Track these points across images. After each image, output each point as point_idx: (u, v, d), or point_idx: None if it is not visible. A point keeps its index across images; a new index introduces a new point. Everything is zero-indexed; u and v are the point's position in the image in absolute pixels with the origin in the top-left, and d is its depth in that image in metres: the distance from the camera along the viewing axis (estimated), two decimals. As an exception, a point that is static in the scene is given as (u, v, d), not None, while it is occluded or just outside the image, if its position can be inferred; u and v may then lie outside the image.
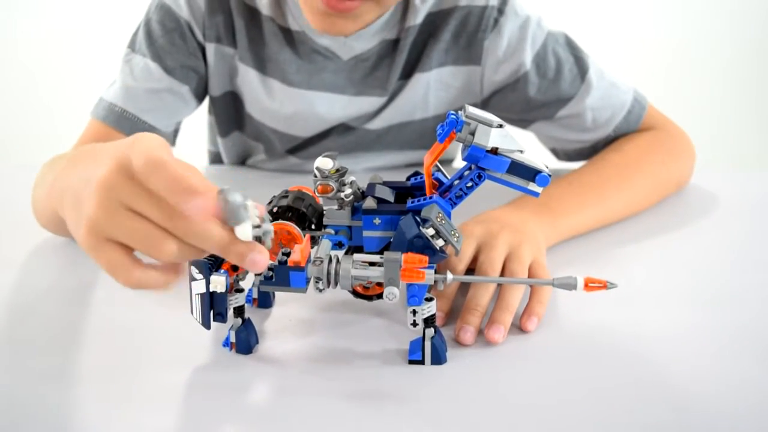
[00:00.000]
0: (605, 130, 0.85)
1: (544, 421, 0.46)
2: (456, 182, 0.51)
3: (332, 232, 0.52)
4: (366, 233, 0.52)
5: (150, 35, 0.84)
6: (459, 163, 1.01)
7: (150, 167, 0.39)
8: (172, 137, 0.90)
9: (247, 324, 0.54)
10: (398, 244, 0.49)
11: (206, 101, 0.95)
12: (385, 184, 0.54)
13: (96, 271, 0.67)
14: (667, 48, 2.41)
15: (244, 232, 0.41)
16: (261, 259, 0.41)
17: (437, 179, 0.52)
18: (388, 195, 0.53)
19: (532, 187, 0.49)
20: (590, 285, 0.46)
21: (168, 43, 0.83)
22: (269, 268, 0.49)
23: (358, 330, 0.56)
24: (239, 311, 0.53)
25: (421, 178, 0.54)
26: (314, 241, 0.52)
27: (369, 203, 0.51)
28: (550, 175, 0.49)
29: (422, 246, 0.49)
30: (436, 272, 0.48)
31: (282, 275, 0.48)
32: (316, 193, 0.52)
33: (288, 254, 0.49)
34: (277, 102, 0.87)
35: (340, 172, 0.52)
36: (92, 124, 0.85)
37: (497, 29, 0.83)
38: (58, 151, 0.74)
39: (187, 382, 0.51)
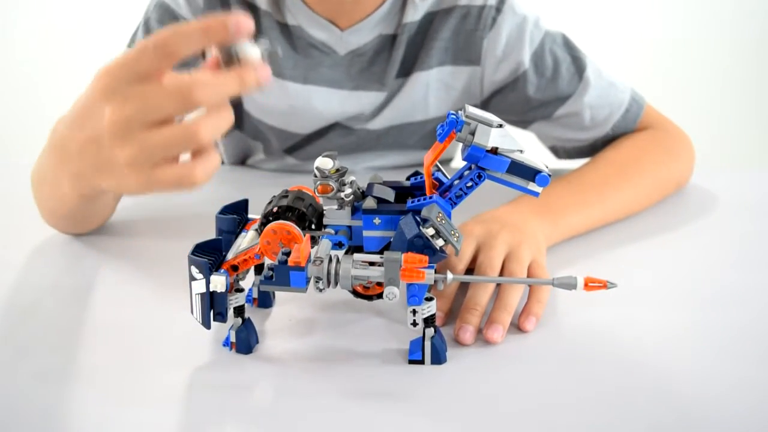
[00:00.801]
0: (603, 128, 0.85)
1: (544, 422, 0.46)
2: (456, 182, 0.51)
3: (332, 232, 0.52)
4: (366, 233, 0.52)
5: (149, 34, 0.84)
6: (458, 163, 1.01)
7: (173, 41, 0.42)
8: None
9: (247, 324, 0.54)
10: (398, 243, 0.49)
11: None
12: (384, 183, 0.54)
13: (95, 271, 0.68)
14: (667, 48, 2.40)
15: (249, 51, 0.43)
16: (242, 20, 0.42)
17: (437, 179, 0.52)
18: (388, 195, 0.53)
19: (532, 186, 0.49)
20: (590, 285, 0.46)
21: None
22: (269, 268, 0.49)
23: (358, 329, 0.56)
24: (239, 311, 0.53)
25: (420, 178, 0.54)
26: (314, 241, 0.52)
27: (369, 203, 0.51)
28: (550, 175, 0.49)
29: (422, 246, 0.49)
30: (435, 272, 0.48)
31: (282, 275, 0.48)
32: (316, 193, 0.52)
33: (288, 254, 0.48)
34: (273, 97, 0.87)
35: (340, 172, 0.52)
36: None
37: (495, 28, 0.83)
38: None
39: (187, 382, 0.51)
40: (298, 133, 0.90)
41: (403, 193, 0.54)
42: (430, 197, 0.50)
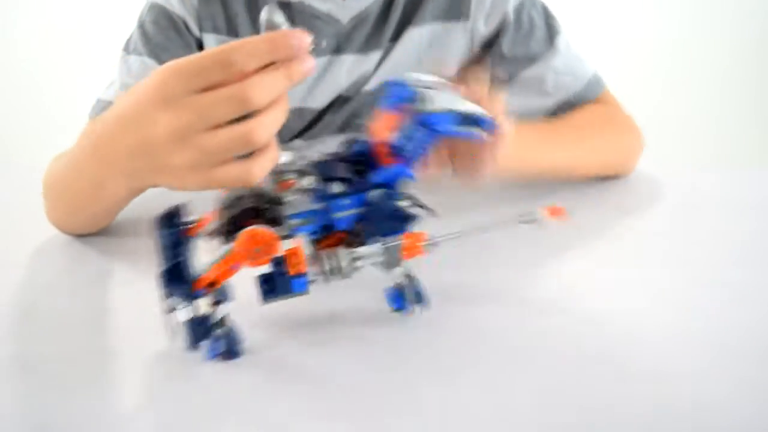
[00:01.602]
0: (564, 93, 0.88)
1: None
2: (409, 144, 0.52)
3: (298, 221, 0.52)
4: (337, 215, 0.52)
5: (145, 35, 0.82)
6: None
7: (234, 56, 0.43)
8: None
9: (231, 330, 0.53)
10: (376, 219, 0.51)
11: None
12: (330, 158, 0.54)
13: (97, 271, 0.68)
14: (667, 48, 2.41)
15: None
16: (303, 38, 0.44)
17: (376, 145, 0.54)
18: (347, 171, 0.53)
19: (478, 132, 0.53)
20: (554, 215, 0.52)
21: (164, 40, 0.82)
22: (264, 281, 0.48)
23: (339, 305, 0.58)
24: (222, 321, 0.52)
25: (363, 145, 0.55)
26: (288, 237, 0.51)
27: (336, 186, 0.51)
28: (493, 119, 0.53)
29: (402, 217, 0.51)
30: None
31: (284, 285, 0.48)
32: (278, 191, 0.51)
33: (279, 262, 0.48)
34: None
35: (296, 164, 0.50)
36: (91, 125, 0.76)
37: None
38: (59, 152, 0.75)
39: (185, 384, 0.50)
40: (306, 108, 0.89)
41: (349, 162, 0.54)
42: (392, 166, 0.52)
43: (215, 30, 0.86)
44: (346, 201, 0.51)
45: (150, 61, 0.83)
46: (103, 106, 0.83)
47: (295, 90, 0.88)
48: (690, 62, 2.42)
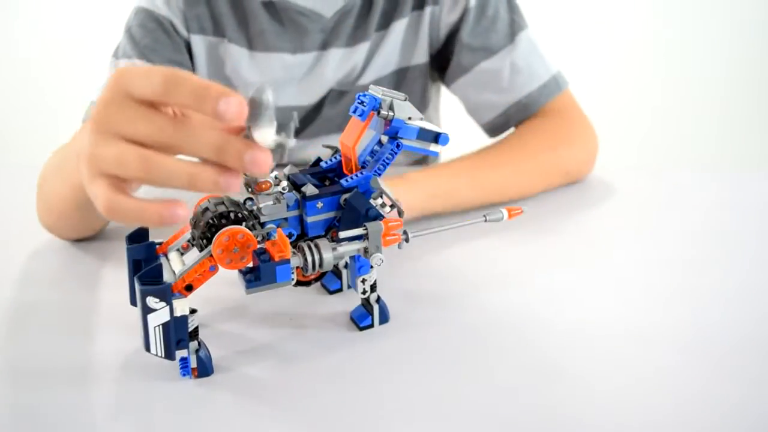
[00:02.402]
0: (518, 93, 0.89)
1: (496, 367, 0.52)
2: (372, 157, 0.56)
3: (274, 227, 0.53)
4: (311, 218, 0.53)
5: (133, 39, 0.82)
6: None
7: (172, 82, 0.40)
8: None
9: (202, 345, 0.51)
10: (351, 219, 0.53)
11: None
12: (302, 172, 0.57)
13: (92, 275, 0.67)
14: (666, 48, 2.42)
15: (265, 136, 0.40)
16: (262, 159, 0.39)
17: (338, 162, 0.57)
18: (317, 180, 0.55)
19: (434, 147, 0.58)
20: (513, 213, 0.56)
21: (152, 41, 0.82)
22: (247, 272, 0.48)
23: (303, 318, 0.58)
24: (194, 334, 0.50)
25: (332, 160, 0.58)
26: (267, 237, 0.52)
27: (311, 189, 0.53)
28: (448, 135, 0.58)
29: (375, 215, 0.53)
30: None
31: (268, 273, 0.48)
32: (254, 192, 0.52)
33: (263, 252, 0.48)
34: (272, 74, 0.87)
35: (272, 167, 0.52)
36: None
37: None
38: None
39: (145, 403, 0.49)
40: (298, 105, 0.89)
41: (321, 177, 0.57)
42: (360, 173, 0.55)
43: (202, 31, 0.87)
44: (319, 204, 0.54)
45: (140, 62, 0.83)
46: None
47: (282, 88, 0.90)
48: (690, 62, 2.42)
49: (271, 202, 0.53)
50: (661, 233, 0.74)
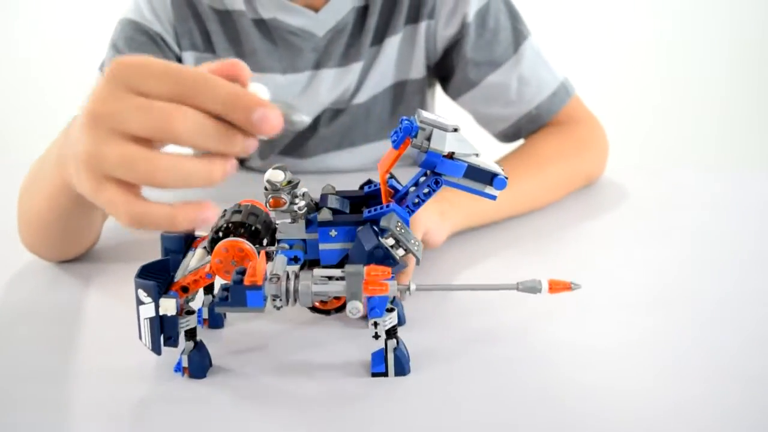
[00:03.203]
0: (528, 105, 0.87)
1: None
2: (412, 189, 0.50)
3: (287, 246, 0.50)
4: (322, 246, 0.50)
5: (120, 53, 0.81)
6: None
7: (196, 84, 0.37)
8: None
9: (199, 346, 0.51)
10: (357, 255, 0.48)
11: None
12: (338, 194, 0.53)
13: (74, 296, 0.65)
14: (666, 48, 2.43)
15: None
16: (272, 116, 0.37)
17: (392, 187, 0.51)
18: (342, 206, 0.51)
19: (489, 190, 0.49)
20: (554, 287, 0.46)
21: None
22: (223, 289, 0.47)
23: (317, 343, 0.55)
24: (191, 334, 0.51)
25: (375, 186, 0.53)
26: (269, 257, 0.50)
27: (324, 215, 0.49)
28: (506, 178, 0.49)
29: (382, 257, 0.47)
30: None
31: (238, 295, 0.45)
32: (268, 207, 0.50)
33: (242, 272, 0.46)
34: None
35: (292, 184, 0.50)
36: None
37: None
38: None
39: (141, 406, 0.48)
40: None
41: (358, 202, 0.52)
42: (387, 206, 0.49)
43: (194, 47, 0.85)
44: (333, 232, 0.49)
45: None
46: None
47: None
48: (690, 62, 2.43)
49: (289, 221, 0.50)
50: (663, 234, 0.75)
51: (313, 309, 0.54)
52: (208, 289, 0.55)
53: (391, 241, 0.47)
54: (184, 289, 0.50)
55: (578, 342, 0.54)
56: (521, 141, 0.91)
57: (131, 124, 0.38)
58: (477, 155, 0.48)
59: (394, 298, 0.49)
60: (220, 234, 0.50)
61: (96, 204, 0.40)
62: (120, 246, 0.74)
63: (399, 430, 0.45)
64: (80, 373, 0.53)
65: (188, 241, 0.55)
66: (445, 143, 0.47)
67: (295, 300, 0.46)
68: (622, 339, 0.55)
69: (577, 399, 0.48)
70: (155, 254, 0.52)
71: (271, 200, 0.49)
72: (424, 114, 0.48)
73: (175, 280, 0.50)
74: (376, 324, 0.49)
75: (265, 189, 0.50)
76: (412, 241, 0.48)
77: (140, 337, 0.50)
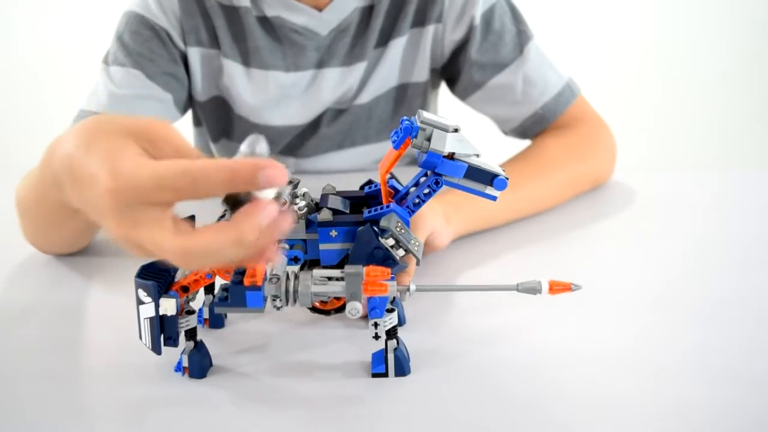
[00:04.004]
0: (534, 105, 0.87)
1: None
2: (412, 189, 0.50)
3: (287, 247, 0.50)
4: (322, 246, 0.50)
5: (125, 47, 0.82)
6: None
7: (195, 182, 0.37)
8: None
9: (199, 346, 0.51)
10: (357, 256, 0.48)
11: (188, 115, 0.94)
12: (338, 194, 0.53)
13: (76, 290, 0.65)
14: (666, 48, 2.43)
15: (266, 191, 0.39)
16: (274, 173, 0.37)
17: (392, 187, 0.51)
18: (343, 206, 0.51)
19: (490, 191, 0.49)
20: (555, 288, 0.46)
21: (147, 51, 0.82)
22: (223, 289, 0.47)
23: (317, 343, 0.55)
24: (191, 334, 0.51)
25: (375, 186, 0.53)
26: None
27: (324, 215, 0.49)
28: (507, 179, 0.49)
29: (382, 257, 0.47)
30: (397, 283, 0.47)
31: (237, 296, 0.45)
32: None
33: (242, 273, 0.46)
34: (265, 93, 0.87)
35: (293, 184, 0.50)
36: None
37: None
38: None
39: (142, 406, 0.48)
40: (293, 125, 0.90)
41: (358, 203, 0.52)
42: (387, 206, 0.49)
43: (199, 43, 0.84)
44: (334, 233, 0.49)
45: (135, 71, 0.80)
46: (85, 115, 0.80)
47: (277, 107, 0.87)
48: (689, 62, 2.43)
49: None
50: (663, 234, 0.75)
51: (313, 309, 0.54)
52: (209, 289, 0.55)
53: (391, 242, 0.47)
54: (185, 289, 0.50)
55: (579, 343, 0.54)
56: (528, 141, 0.91)
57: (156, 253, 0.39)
58: (477, 156, 0.48)
59: (394, 298, 0.49)
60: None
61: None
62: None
63: (399, 430, 0.45)
64: (80, 372, 0.53)
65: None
66: (445, 144, 0.47)
67: (295, 300, 0.46)
68: (623, 340, 0.55)
69: (578, 399, 0.48)
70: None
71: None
72: (425, 114, 0.48)
73: (176, 279, 0.50)
74: (376, 324, 0.49)
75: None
76: (413, 242, 0.48)
77: (140, 337, 0.50)
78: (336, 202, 0.51)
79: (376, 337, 0.49)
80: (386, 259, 0.47)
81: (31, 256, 0.71)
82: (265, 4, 0.83)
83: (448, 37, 0.87)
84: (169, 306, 0.48)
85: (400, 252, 0.48)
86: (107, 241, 0.74)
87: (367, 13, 0.86)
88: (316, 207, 0.51)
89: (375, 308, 0.48)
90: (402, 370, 0.50)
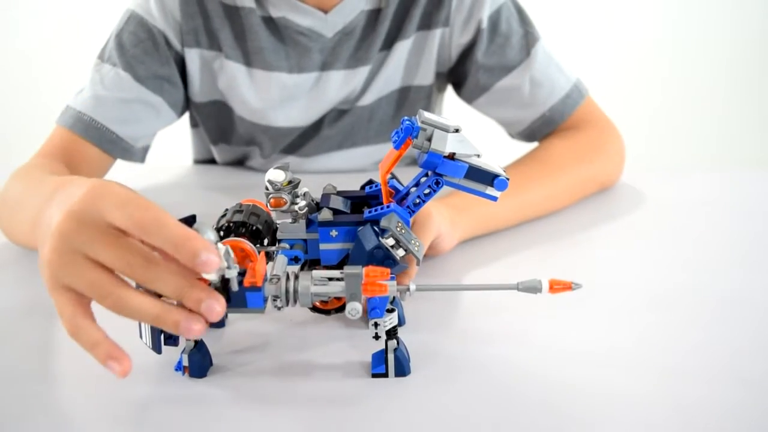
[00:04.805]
0: (541, 107, 0.87)
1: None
2: (413, 189, 0.50)
3: (287, 246, 0.50)
4: (323, 246, 0.50)
5: (122, 46, 0.82)
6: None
7: (151, 225, 0.40)
8: (141, 153, 0.87)
9: (200, 346, 0.51)
10: (357, 256, 0.48)
11: (186, 116, 0.94)
12: (339, 194, 0.53)
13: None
14: (666, 48, 2.44)
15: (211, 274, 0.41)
16: (217, 308, 0.41)
17: (393, 187, 0.51)
18: (344, 206, 0.51)
19: (490, 191, 0.49)
20: (555, 287, 0.46)
21: (140, 53, 0.82)
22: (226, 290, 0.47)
23: (317, 344, 0.55)
24: (191, 333, 0.51)
25: (376, 186, 0.53)
26: (269, 256, 0.50)
27: (325, 215, 0.49)
28: (508, 179, 0.49)
29: (383, 257, 0.47)
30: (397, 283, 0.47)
31: (238, 296, 0.45)
32: (269, 207, 0.50)
33: (242, 273, 0.46)
34: (268, 94, 0.87)
35: (293, 184, 0.50)
36: (58, 132, 0.81)
37: None
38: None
39: (142, 405, 0.48)
40: (296, 126, 0.90)
41: (358, 202, 0.52)
42: (388, 206, 0.49)
43: (198, 45, 0.84)
44: (334, 232, 0.49)
45: (124, 74, 0.81)
46: (72, 113, 0.81)
47: (281, 108, 0.87)
48: (689, 63, 2.43)
49: (290, 220, 0.50)
50: (664, 234, 0.75)
51: (314, 309, 0.54)
52: None
53: (391, 242, 0.47)
54: (185, 289, 0.50)
55: (579, 342, 0.54)
56: (535, 144, 0.90)
57: (96, 255, 0.41)
58: (478, 156, 0.48)
59: (394, 298, 0.49)
60: (222, 233, 0.49)
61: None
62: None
63: (399, 430, 0.45)
64: (80, 372, 0.52)
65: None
66: (446, 144, 0.47)
67: (295, 300, 0.46)
68: (624, 340, 0.55)
69: (578, 399, 0.48)
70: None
71: (271, 200, 0.49)
72: (426, 114, 0.48)
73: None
74: (376, 324, 0.49)
75: (266, 189, 0.50)
76: (413, 242, 0.48)
77: (140, 337, 0.50)
78: (337, 202, 0.51)
79: (376, 337, 0.49)
80: (386, 259, 0.47)
81: (31, 256, 0.71)
82: (270, 4, 0.83)
83: (456, 41, 0.87)
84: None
85: (400, 252, 0.48)
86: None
87: (374, 16, 0.85)
88: (316, 207, 0.51)
89: (375, 308, 0.48)
90: (402, 370, 0.50)
